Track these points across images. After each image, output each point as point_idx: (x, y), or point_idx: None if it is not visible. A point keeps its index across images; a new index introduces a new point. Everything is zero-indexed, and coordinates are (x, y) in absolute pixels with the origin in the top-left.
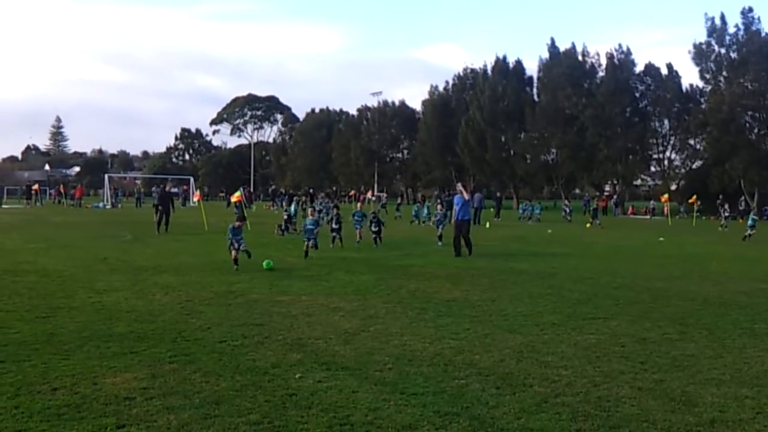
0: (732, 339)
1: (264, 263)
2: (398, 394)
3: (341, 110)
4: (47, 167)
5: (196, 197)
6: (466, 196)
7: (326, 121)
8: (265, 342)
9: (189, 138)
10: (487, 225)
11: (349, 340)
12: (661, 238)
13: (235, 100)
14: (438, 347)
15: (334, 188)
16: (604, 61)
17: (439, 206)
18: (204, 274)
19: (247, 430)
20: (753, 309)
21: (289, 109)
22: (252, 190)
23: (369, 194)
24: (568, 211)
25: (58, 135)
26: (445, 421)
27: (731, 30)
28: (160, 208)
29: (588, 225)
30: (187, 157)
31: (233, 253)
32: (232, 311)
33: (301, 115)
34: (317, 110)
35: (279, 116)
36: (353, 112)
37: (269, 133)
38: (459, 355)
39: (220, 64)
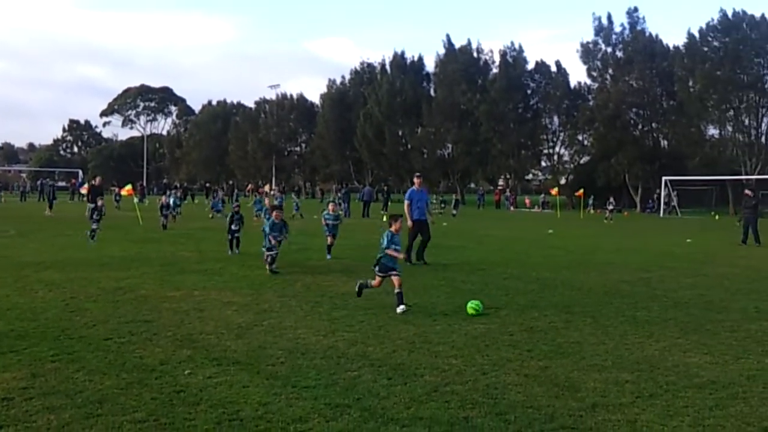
0: (614, 326)
1: (469, 306)
2: (290, 388)
3: (239, 103)
4: None
5: (84, 190)
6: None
7: (222, 114)
8: (153, 339)
9: (78, 130)
10: (384, 219)
11: (242, 335)
12: (551, 231)
13: (127, 91)
14: (331, 340)
15: (231, 182)
16: (497, 58)
17: (331, 206)
18: (91, 270)
19: (131, 428)
20: (634, 297)
21: (183, 100)
22: (144, 183)
23: (267, 188)
24: (439, 204)
25: None
26: (336, 413)
27: (617, 29)
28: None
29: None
30: (75, 149)
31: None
32: (119, 308)
33: (196, 107)
34: (214, 102)
35: (173, 108)
36: (251, 104)
37: (163, 125)
38: (352, 347)
39: (106, 54)
